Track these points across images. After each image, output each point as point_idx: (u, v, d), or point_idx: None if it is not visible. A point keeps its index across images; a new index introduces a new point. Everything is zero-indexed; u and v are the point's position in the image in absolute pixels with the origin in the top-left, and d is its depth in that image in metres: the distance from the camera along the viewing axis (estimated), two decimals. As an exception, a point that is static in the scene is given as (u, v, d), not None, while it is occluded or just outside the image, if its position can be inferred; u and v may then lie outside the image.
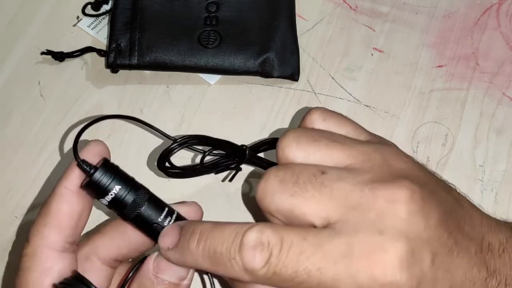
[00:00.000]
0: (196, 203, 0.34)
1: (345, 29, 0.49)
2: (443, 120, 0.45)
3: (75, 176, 0.31)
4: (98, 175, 0.30)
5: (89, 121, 0.32)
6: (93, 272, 0.32)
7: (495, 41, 0.48)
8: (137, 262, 0.31)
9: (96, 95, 0.46)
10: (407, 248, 0.26)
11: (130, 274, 0.31)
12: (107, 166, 0.30)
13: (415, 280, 0.26)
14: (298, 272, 0.26)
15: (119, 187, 0.30)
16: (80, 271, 0.32)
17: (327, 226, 0.27)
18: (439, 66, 0.48)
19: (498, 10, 0.50)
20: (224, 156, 0.37)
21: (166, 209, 0.31)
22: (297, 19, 0.48)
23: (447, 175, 0.43)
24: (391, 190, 0.27)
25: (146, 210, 0.30)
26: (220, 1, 0.47)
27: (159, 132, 0.34)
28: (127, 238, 0.32)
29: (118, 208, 0.30)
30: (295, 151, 0.29)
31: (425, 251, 0.26)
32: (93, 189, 0.30)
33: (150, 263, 0.30)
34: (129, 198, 0.30)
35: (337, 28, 0.49)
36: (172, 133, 0.44)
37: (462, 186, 0.42)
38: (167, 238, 0.30)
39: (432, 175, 0.31)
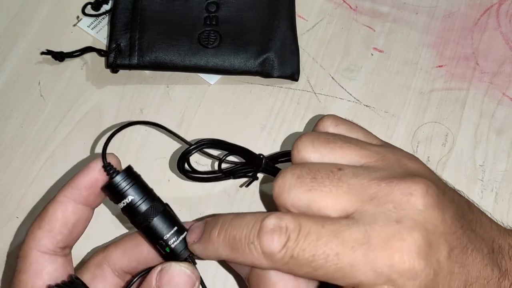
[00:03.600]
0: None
1: (345, 29, 0.49)
2: (443, 120, 0.45)
3: (76, 187, 0.31)
4: (118, 179, 0.31)
5: (117, 128, 0.33)
6: (102, 279, 0.33)
7: (495, 41, 0.48)
8: (140, 273, 0.32)
9: (96, 95, 0.46)
10: (425, 238, 0.26)
11: (132, 283, 0.32)
12: (128, 172, 0.31)
13: (432, 269, 0.26)
14: (316, 256, 0.26)
15: (135, 194, 0.31)
16: (90, 277, 0.33)
17: (344, 217, 0.28)
18: (439, 66, 0.48)
19: (498, 10, 0.50)
20: (241, 164, 0.39)
21: (175, 227, 0.32)
22: (297, 19, 0.48)
23: (447, 175, 0.43)
24: (407, 184, 0.27)
25: (156, 223, 0.31)
26: (220, 1, 0.47)
27: (178, 137, 0.35)
28: (139, 252, 0.33)
29: (131, 215, 0.31)
30: (310, 152, 0.30)
31: (442, 243, 0.27)
32: (111, 192, 0.31)
33: (153, 276, 0.30)
34: (143, 207, 0.31)
35: (337, 28, 0.49)
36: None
37: (462, 186, 0.43)
38: (193, 233, 0.31)
39: (441, 179, 0.31)
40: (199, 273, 0.31)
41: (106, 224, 0.41)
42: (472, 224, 0.29)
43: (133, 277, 0.32)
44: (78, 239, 0.32)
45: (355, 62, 0.48)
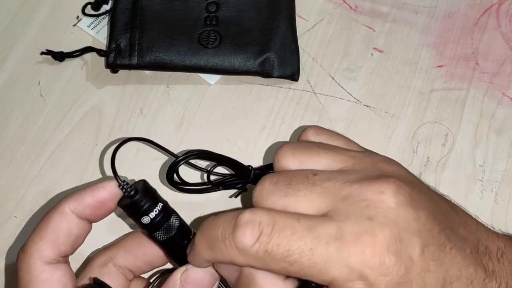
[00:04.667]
0: None
1: (345, 29, 0.49)
2: (443, 120, 0.45)
3: (82, 204, 0.31)
4: (138, 198, 0.31)
5: (117, 143, 0.32)
6: (109, 277, 0.33)
7: (495, 41, 0.48)
8: (159, 275, 0.33)
9: (96, 95, 0.46)
10: (395, 234, 0.27)
11: (152, 285, 0.33)
12: (147, 189, 0.31)
13: (403, 265, 0.26)
14: (291, 251, 0.27)
15: (155, 213, 0.31)
16: (97, 276, 0.33)
17: (319, 216, 0.28)
18: (439, 66, 0.48)
19: (498, 10, 0.50)
20: (231, 175, 0.39)
21: (191, 236, 0.32)
22: (297, 19, 0.48)
23: (447, 175, 0.43)
24: (379, 184, 0.28)
25: (175, 235, 0.32)
26: (220, 1, 0.47)
27: (165, 151, 0.35)
28: (143, 251, 0.34)
29: (150, 230, 0.32)
30: (290, 160, 0.31)
31: (414, 240, 0.27)
32: (131, 210, 0.31)
33: (177, 277, 0.31)
34: (162, 222, 0.31)
35: (337, 28, 0.49)
36: (172, 133, 0.45)
37: (462, 186, 0.43)
38: (189, 245, 0.32)
39: (422, 182, 0.32)
40: (219, 274, 0.32)
41: (106, 225, 0.41)
42: (455, 224, 0.30)
43: (149, 280, 0.32)
44: (76, 250, 0.33)
45: (355, 62, 0.48)
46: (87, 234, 0.33)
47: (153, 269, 0.35)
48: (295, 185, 0.29)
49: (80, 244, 0.32)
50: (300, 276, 0.28)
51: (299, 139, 0.35)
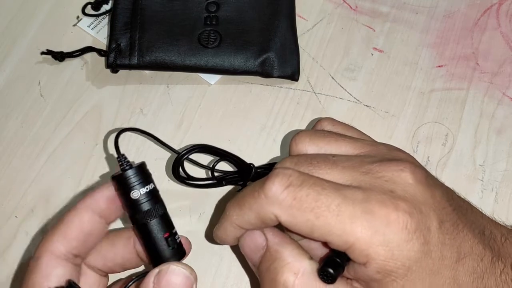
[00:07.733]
0: (185, 237, 0.34)
1: (345, 29, 0.49)
2: (443, 120, 0.45)
3: (96, 198, 0.32)
4: (130, 173, 0.31)
5: (122, 128, 0.33)
6: (82, 276, 0.33)
7: (495, 41, 0.48)
8: (135, 277, 0.32)
9: (96, 95, 0.46)
10: (416, 207, 0.28)
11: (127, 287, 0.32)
12: (141, 169, 0.32)
13: (422, 235, 0.28)
14: (319, 203, 0.28)
15: (142, 192, 0.31)
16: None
17: None
18: (439, 66, 0.48)
19: (498, 10, 0.50)
20: (233, 172, 0.40)
21: (173, 231, 0.32)
22: (297, 19, 0.48)
23: (447, 175, 0.43)
24: (398, 163, 0.30)
25: (154, 223, 0.31)
26: (220, 1, 0.47)
27: (166, 146, 0.35)
28: (115, 252, 0.33)
29: (132, 210, 0.31)
30: (307, 145, 0.33)
31: (432, 214, 0.28)
32: (120, 183, 0.31)
33: (150, 280, 0.30)
34: (146, 206, 0.31)
35: (337, 28, 0.49)
36: (172, 133, 0.45)
37: (462, 186, 0.43)
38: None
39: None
40: (196, 275, 0.31)
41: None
42: (463, 209, 0.31)
43: (127, 281, 0.32)
44: (90, 250, 0.32)
45: (355, 62, 0.48)
46: (100, 235, 0.32)
47: (124, 270, 0.34)
48: (316, 164, 0.30)
49: (93, 245, 0.32)
50: (322, 236, 0.28)
51: (314, 128, 0.36)
